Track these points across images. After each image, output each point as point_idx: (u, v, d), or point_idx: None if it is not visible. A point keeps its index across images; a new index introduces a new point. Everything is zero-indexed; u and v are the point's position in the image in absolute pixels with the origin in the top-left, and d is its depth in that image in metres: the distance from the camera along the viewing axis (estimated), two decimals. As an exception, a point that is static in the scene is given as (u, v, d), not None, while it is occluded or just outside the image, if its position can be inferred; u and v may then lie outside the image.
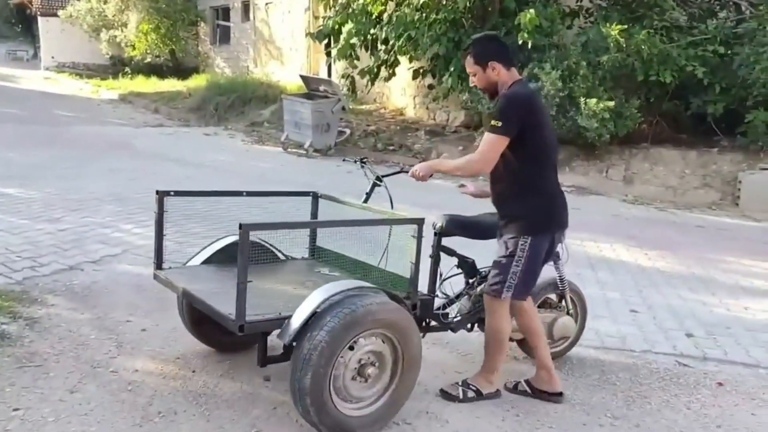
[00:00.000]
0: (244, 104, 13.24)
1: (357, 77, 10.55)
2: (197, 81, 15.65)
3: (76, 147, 9.04)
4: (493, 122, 2.78)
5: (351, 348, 2.51)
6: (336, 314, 2.43)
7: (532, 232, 2.86)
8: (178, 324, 3.55)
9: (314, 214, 3.45)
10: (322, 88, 10.72)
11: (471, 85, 3.15)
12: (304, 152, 10.16)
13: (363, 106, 12.87)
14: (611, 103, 8.50)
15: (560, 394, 3.07)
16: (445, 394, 3.02)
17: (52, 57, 20.86)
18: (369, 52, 10.35)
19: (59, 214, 5.65)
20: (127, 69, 18.67)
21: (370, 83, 10.38)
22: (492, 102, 3.08)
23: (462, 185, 3.40)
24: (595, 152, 9.13)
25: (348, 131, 10.95)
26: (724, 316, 4.48)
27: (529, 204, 2.88)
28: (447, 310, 3.26)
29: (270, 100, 13.09)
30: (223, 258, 3.13)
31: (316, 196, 3.46)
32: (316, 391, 2.42)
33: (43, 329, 3.38)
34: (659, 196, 8.72)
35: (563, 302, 3.44)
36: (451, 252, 3.26)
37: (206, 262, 3.16)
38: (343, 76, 10.67)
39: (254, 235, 3.16)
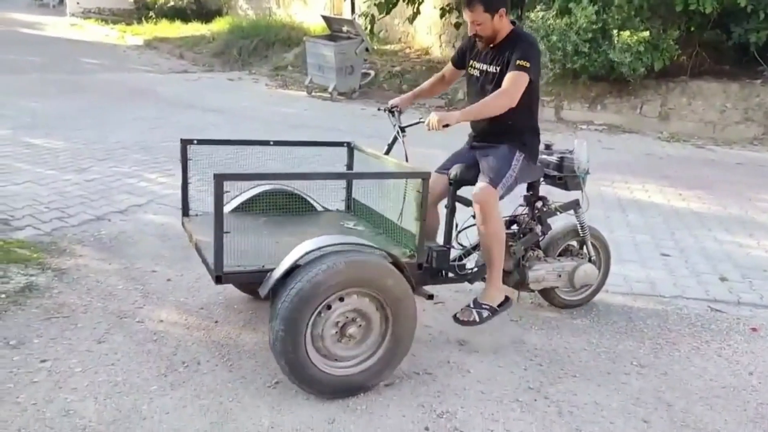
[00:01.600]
0: (267, 48, 13.01)
1: (377, 15, 10.18)
2: (220, 24, 15.40)
3: (101, 95, 9.03)
4: (521, 62, 2.85)
5: (329, 306, 2.45)
6: (314, 269, 2.37)
7: (524, 152, 3.03)
8: (202, 274, 3.57)
9: (349, 166, 3.32)
10: (344, 28, 10.44)
11: (470, 34, 3.05)
12: (329, 96, 9.99)
13: (387, 47, 12.54)
14: (646, 34, 8.11)
15: (508, 299, 3.08)
16: (461, 321, 2.99)
17: (78, 3, 20.68)
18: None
19: (86, 164, 5.68)
20: (151, 13, 18.47)
21: (384, 13, 10.00)
22: (485, 48, 3.05)
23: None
24: (628, 88, 8.79)
25: (372, 73, 10.71)
26: (761, 259, 4.34)
27: (526, 133, 3.07)
28: (464, 261, 3.19)
29: (293, 42, 12.83)
30: (253, 207, 3.12)
31: (351, 147, 3.32)
32: (291, 347, 2.39)
33: (71, 280, 3.44)
34: (697, 132, 8.39)
35: (584, 249, 3.37)
36: (467, 202, 3.17)
37: (235, 210, 3.12)
38: (363, 14, 10.34)
39: (290, 185, 3.18)
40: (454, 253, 3.17)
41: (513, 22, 3.04)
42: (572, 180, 3.26)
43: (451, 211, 3.11)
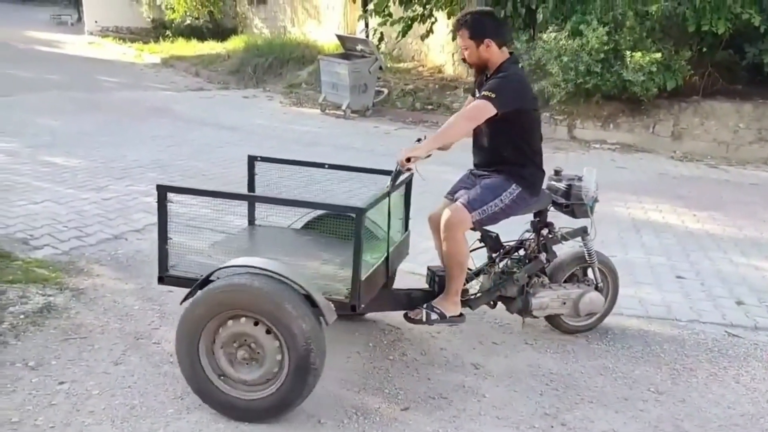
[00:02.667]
0: (281, 65, 13.14)
1: (388, 31, 10.23)
2: (236, 43, 15.59)
3: (119, 113, 9.15)
4: (486, 92, 2.85)
5: (221, 326, 2.48)
6: (213, 286, 2.43)
7: (522, 186, 3.02)
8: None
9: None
10: (359, 47, 10.53)
11: (461, 58, 3.06)
12: (342, 113, 10.06)
13: (401, 65, 12.63)
14: (659, 56, 8.12)
15: (462, 315, 3.07)
16: (410, 319, 3.03)
17: (96, 21, 21.03)
18: (403, 7, 10.09)
19: (104, 182, 5.75)
20: (168, 32, 18.74)
21: (401, 35, 10.09)
22: (479, 77, 3.10)
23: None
24: (641, 107, 8.78)
25: (386, 91, 10.78)
26: (777, 282, 4.30)
27: (526, 165, 3.04)
28: (466, 286, 3.18)
29: (307, 60, 12.96)
30: (319, 226, 3.19)
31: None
32: (188, 361, 2.48)
33: (88, 300, 3.47)
34: (710, 152, 8.36)
35: (590, 275, 3.35)
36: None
37: (305, 226, 3.27)
38: (373, 35, 10.42)
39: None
40: None
41: (511, 53, 3.04)
42: (580, 208, 3.24)
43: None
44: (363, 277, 2.56)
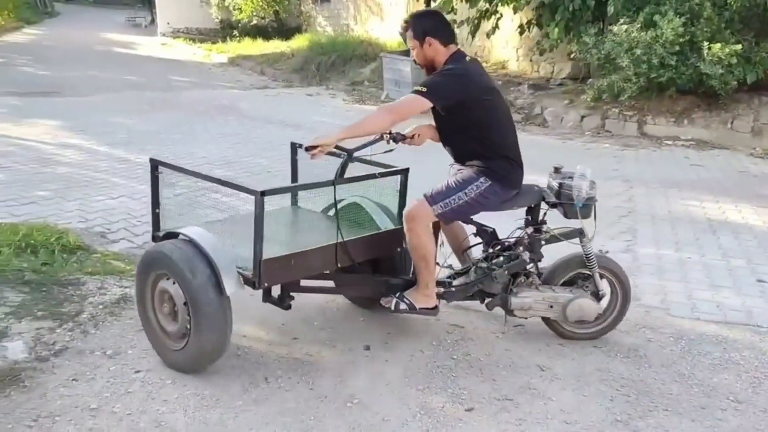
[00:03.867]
0: (344, 63, 13.26)
1: (456, 31, 10.14)
2: (300, 41, 15.83)
3: (188, 111, 9.44)
4: (418, 87, 2.85)
5: (156, 281, 2.82)
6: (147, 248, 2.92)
7: (495, 178, 2.98)
8: (283, 290, 3.67)
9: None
10: (422, 44, 10.51)
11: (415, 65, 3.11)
12: (406, 110, 10.07)
13: (465, 61, 12.52)
14: (738, 47, 7.72)
15: (436, 308, 3.07)
16: (382, 306, 3.07)
17: (168, 23, 21.78)
18: (469, 4, 9.97)
19: (175, 179, 5.93)
20: (235, 32, 19.20)
21: (470, 36, 9.98)
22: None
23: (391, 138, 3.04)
24: (718, 102, 8.38)
25: (450, 87, 10.73)
26: None
27: (495, 159, 3.00)
28: (448, 280, 3.16)
29: (370, 58, 13.02)
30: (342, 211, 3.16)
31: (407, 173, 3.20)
32: (141, 310, 2.91)
33: (161, 293, 3.59)
34: (794, 149, 7.91)
35: (590, 282, 3.16)
36: (476, 223, 3.16)
37: (324, 209, 3.41)
38: None
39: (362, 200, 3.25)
40: (445, 272, 3.20)
41: (457, 53, 3.00)
42: (569, 208, 3.07)
43: (436, 230, 3.10)
44: (265, 257, 2.64)
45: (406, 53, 10.36)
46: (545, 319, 3.23)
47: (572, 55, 9.85)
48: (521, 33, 10.02)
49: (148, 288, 2.85)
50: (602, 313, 3.19)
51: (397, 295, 3.05)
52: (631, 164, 7.09)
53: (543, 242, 3.16)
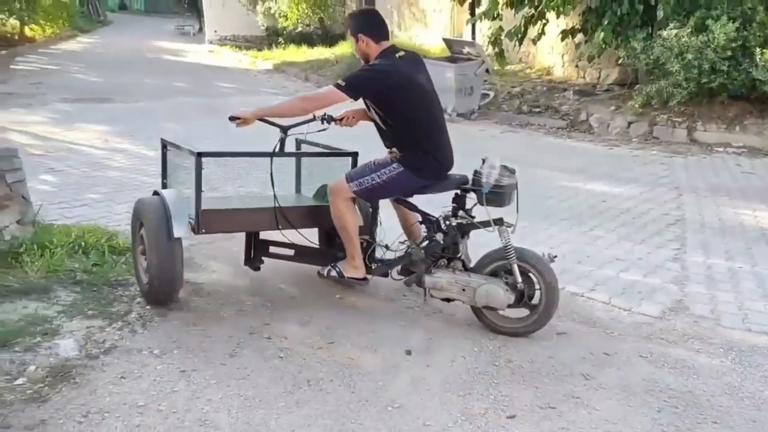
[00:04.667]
0: (388, 69, 13.30)
1: (510, 41, 10.00)
2: (344, 48, 15.95)
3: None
4: (338, 80, 3.21)
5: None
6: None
7: (407, 165, 3.26)
8: (324, 293, 3.71)
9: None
10: (465, 50, 10.46)
11: None
12: (447, 116, 10.02)
13: (507, 67, 12.39)
14: (794, 52, 7.47)
15: (365, 279, 3.41)
16: (319, 274, 3.48)
17: (215, 31, 22.27)
18: (514, 10, 9.89)
19: (218, 183, 6.04)
20: (280, 39, 19.50)
21: (517, 44, 9.90)
22: None
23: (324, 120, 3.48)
24: (772, 108, 8.13)
25: (492, 94, 10.64)
26: None
27: (409, 149, 3.27)
28: (381, 256, 3.51)
29: (414, 64, 13.04)
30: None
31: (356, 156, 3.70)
32: (133, 256, 3.62)
33: (206, 294, 3.67)
34: None
35: (510, 275, 3.20)
36: (411, 206, 3.44)
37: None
38: (490, 42, 10.24)
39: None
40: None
41: (388, 49, 3.27)
42: (479, 195, 3.22)
43: (374, 210, 3.48)
44: (204, 208, 3.29)
45: (450, 59, 10.35)
46: (476, 313, 3.32)
47: (619, 61, 9.68)
48: (563, 39, 9.88)
49: (136, 233, 3.50)
50: (530, 311, 3.23)
51: (332, 264, 3.41)
52: (680, 171, 6.92)
53: (456, 227, 3.33)
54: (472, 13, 11.26)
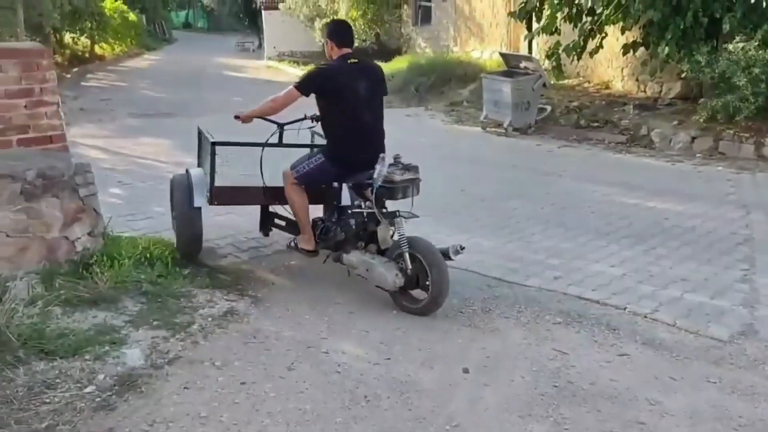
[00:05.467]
0: (444, 84, 13.31)
1: (567, 56, 9.84)
2: (399, 62, 16.07)
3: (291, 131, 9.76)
4: (296, 82, 3.90)
5: None
6: None
7: (325, 156, 3.95)
8: (382, 309, 3.72)
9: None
10: (522, 65, 10.38)
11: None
12: (503, 131, 9.96)
13: (565, 81, 12.22)
14: None
15: (314, 252, 4.12)
16: (287, 245, 4.31)
17: (274, 47, 22.84)
18: (572, 24, 9.75)
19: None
20: (340, 55, 19.82)
21: (576, 58, 9.75)
22: None
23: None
24: None
25: (549, 108, 10.49)
26: None
27: (329, 141, 3.99)
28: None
29: (469, 78, 13.01)
30: None
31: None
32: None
33: (265, 307, 3.73)
34: None
35: (400, 259, 3.64)
36: (337, 193, 4.11)
37: None
38: (547, 56, 10.11)
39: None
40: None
41: (345, 55, 3.89)
42: (372, 189, 3.68)
43: (335, 194, 4.16)
44: (217, 184, 4.17)
45: (507, 74, 10.29)
46: (392, 296, 3.72)
47: (682, 74, 9.40)
48: (625, 53, 9.66)
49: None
50: (426, 293, 3.63)
51: (294, 237, 4.18)
52: (747, 188, 6.65)
53: (358, 215, 3.88)
54: (529, 28, 11.17)
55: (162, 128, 9.93)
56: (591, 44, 9.65)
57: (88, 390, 2.74)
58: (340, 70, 3.87)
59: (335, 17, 19.38)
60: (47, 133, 4.01)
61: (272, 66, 20.86)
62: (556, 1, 9.26)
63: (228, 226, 5.16)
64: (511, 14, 11.37)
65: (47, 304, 3.29)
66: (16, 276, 3.51)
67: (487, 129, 10.29)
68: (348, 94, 3.81)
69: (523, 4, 10.38)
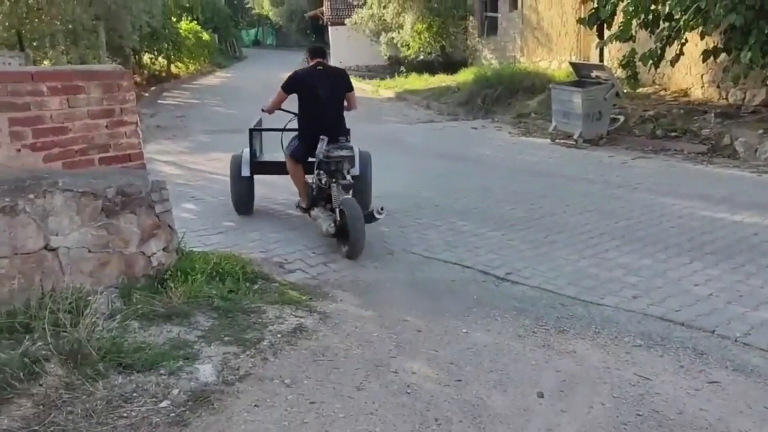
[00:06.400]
0: (510, 95, 13.12)
1: (644, 65, 9.45)
2: (465, 75, 15.99)
3: (357, 144, 9.77)
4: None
5: None
6: None
7: (297, 139, 5.47)
8: (449, 327, 3.64)
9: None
10: (593, 74, 10.11)
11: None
12: (573, 143, 9.69)
13: (639, 90, 11.82)
14: None
15: (307, 209, 5.42)
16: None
17: (340, 62, 23.15)
18: (648, 30, 9.39)
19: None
20: (402, 68, 19.91)
21: (654, 67, 9.37)
22: None
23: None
24: None
25: (622, 118, 10.14)
26: None
27: (299, 127, 5.45)
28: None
29: (537, 89, 12.78)
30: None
31: None
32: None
33: (333, 324, 3.71)
34: None
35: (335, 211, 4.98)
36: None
37: None
38: (622, 65, 9.77)
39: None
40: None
41: (315, 64, 5.40)
42: (315, 162, 5.25)
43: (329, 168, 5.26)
44: (258, 160, 5.93)
45: (577, 84, 10.05)
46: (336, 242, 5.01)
47: (767, 81, 8.91)
48: (705, 59, 9.22)
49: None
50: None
51: (300, 199, 5.61)
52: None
53: (318, 182, 5.23)
54: (600, 36, 10.86)
55: (231, 143, 10.12)
56: (669, 51, 9.26)
57: (163, 405, 2.78)
58: (307, 74, 5.38)
59: (400, 31, 19.54)
60: (126, 151, 4.15)
61: (338, 80, 21.14)
62: (631, 8, 8.94)
63: (296, 242, 5.20)
64: (580, 21, 11.08)
65: (125, 319, 3.38)
66: (96, 290, 3.63)
67: (557, 141, 10.06)
68: (308, 92, 5.26)
69: (593, 11, 10.09)
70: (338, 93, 5.33)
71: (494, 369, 3.18)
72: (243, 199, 5.95)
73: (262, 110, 5.59)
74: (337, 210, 4.86)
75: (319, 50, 5.63)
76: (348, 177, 4.98)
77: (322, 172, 5.08)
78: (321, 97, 5.19)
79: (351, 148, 5.09)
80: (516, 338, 3.53)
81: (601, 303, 3.98)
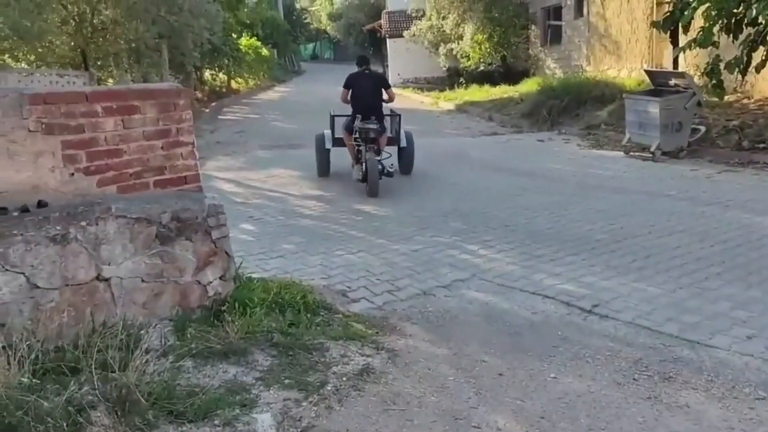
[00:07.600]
0: (578, 106, 12.53)
1: (730, 72, 8.72)
2: (528, 85, 15.46)
3: (421, 160, 9.39)
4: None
5: None
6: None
7: (350, 119, 7.88)
8: (535, 371, 3.24)
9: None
10: (672, 82, 9.46)
11: None
12: (650, 155, 9.07)
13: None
14: None
15: (355, 163, 7.86)
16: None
17: (399, 74, 23.01)
18: (731, 36, 8.70)
19: (411, 232, 5.83)
20: (461, 79, 19.51)
21: (740, 75, 8.66)
22: None
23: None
24: None
25: (703, 129, 9.45)
26: None
27: (352, 110, 7.91)
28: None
29: (607, 99, 12.15)
30: None
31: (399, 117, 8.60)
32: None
33: (404, 364, 3.34)
34: None
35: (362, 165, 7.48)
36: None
37: None
38: (705, 72, 9.08)
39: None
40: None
41: (361, 69, 8.12)
42: (356, 131, 7.75)
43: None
44: (335, 136, 8.33)
45: (654, 93, 9.44)
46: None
47: None
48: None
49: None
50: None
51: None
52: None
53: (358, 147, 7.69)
54: (674, 42, 10.19)
55: (290, 160, 10.00)
56: (756, 56, 8.54)
57: (216, 462, 2.47)
58: (356, 75, 8.00)
59: (460, 42, 19.15)
60: (182, 173, 3.91)
61: (397, 93, 20.92)
62: (713, 12, 8.28)
63: (359, 266, 4.87)
64: (654, 24, 10.41)
65: (179, 358, 3.11)
66: (149, 323, 3.38)
67: (631, 153, 9.46)
68: (356, 86, 7.87)
69: (668, 13, 9.44)
70: (376, 88, 7.90)
71: (594, 427, 2.74)
72: (324, 167, 8.33)
73: (331, 115, 8.48)
74: (364, 164, 7.31)
75: (363, 59, 8.32)
76: (378, 146, 7.57)
77: (358, 138, 7.47)
78: (364, 91, 7.80)
79: (376, 123, 7.54)
80: (614, 386, 3.07)
81: (711, 344, 3.47)
